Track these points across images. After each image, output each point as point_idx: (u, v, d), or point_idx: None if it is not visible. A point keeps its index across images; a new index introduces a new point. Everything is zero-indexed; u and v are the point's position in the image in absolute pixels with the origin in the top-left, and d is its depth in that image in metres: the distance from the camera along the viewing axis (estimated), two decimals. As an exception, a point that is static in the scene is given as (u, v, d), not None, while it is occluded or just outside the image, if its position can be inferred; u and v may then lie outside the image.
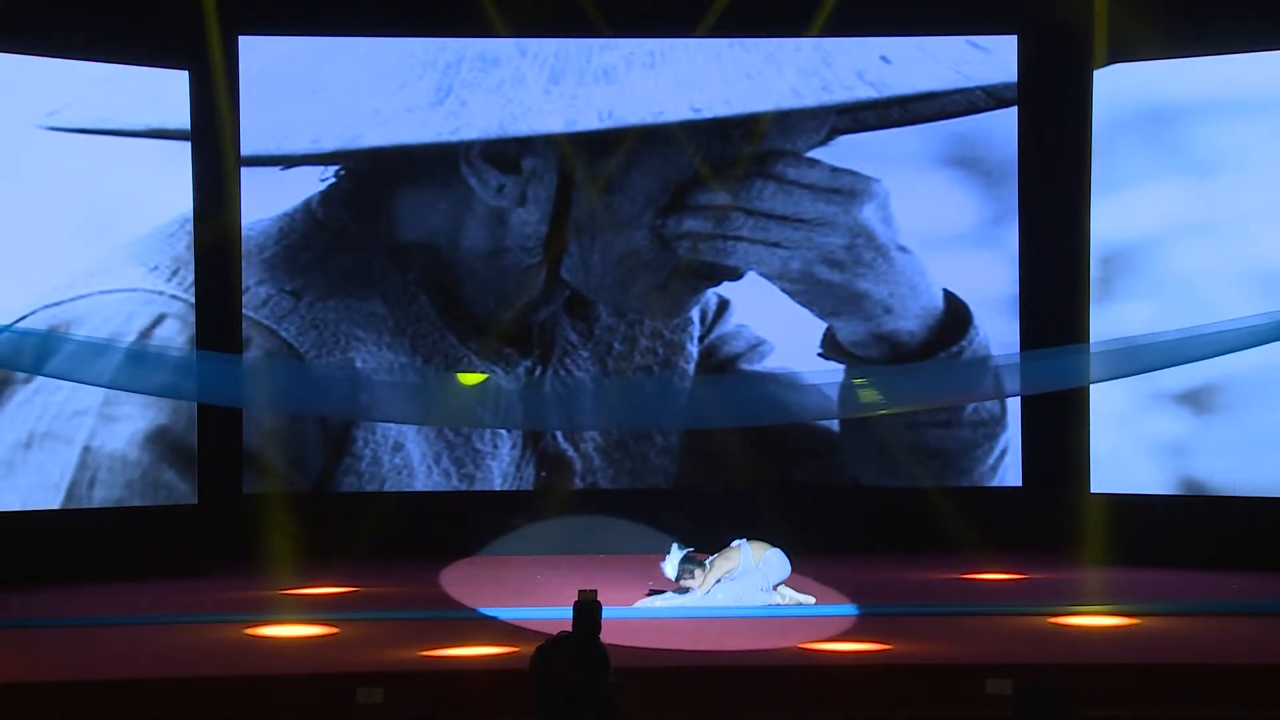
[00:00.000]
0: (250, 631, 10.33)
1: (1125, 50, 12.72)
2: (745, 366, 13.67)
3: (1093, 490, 13.12)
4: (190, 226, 12.96)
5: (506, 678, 8.60)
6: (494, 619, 10.51)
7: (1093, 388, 12.64)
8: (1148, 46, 12.55)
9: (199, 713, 8.75)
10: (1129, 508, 12.93)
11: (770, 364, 13.67)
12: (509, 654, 9.29)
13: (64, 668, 9.28)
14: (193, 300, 12.93)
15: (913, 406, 12.68)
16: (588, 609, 7.64)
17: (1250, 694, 8.87)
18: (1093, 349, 11.69)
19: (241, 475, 13.51)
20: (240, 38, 13.32)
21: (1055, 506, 13.38)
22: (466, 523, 13.59)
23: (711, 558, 11.04)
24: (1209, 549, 12.50)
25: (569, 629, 7.37)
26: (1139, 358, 10.35)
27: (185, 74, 12.98)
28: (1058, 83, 13.46)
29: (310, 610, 11.04)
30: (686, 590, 10.99)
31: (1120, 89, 12.86)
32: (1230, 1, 12.47)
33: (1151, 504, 12.89)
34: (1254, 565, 12.23)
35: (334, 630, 10.38)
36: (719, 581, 10.93)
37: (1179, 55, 12.58)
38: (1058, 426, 13.37)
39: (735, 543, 11.07)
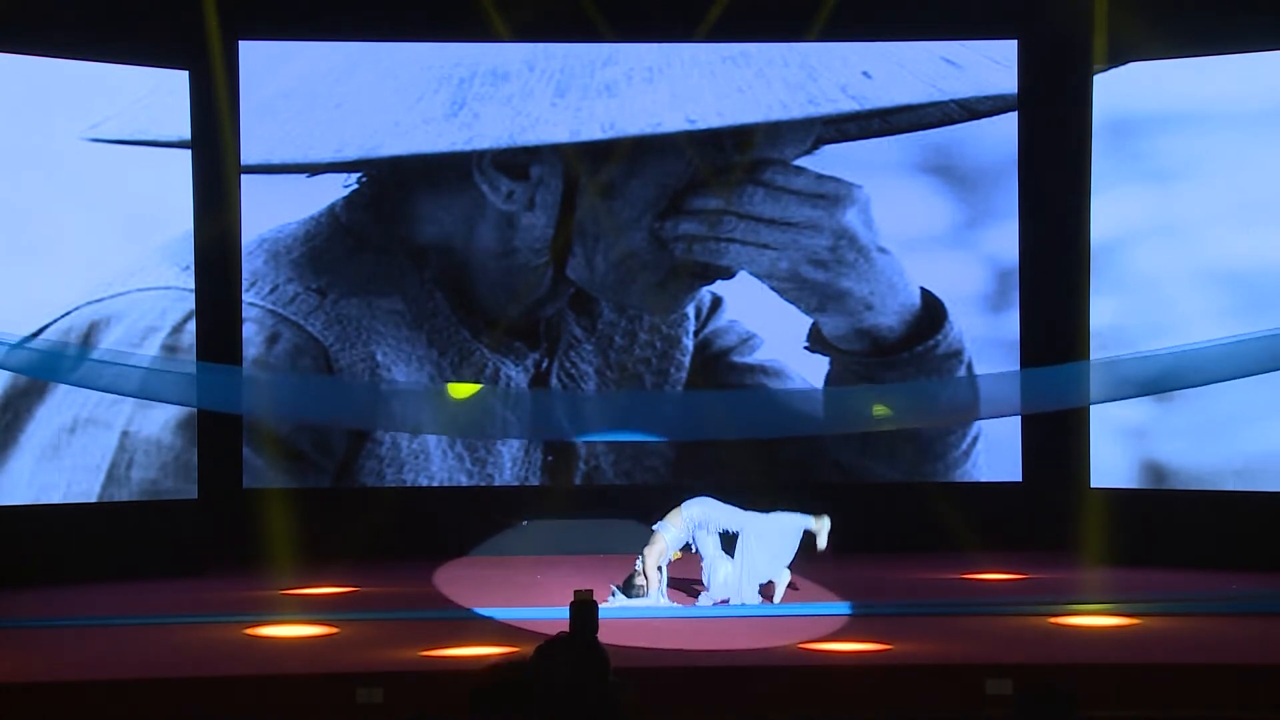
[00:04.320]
0: (250, 631, 9.00)
1: (1122, 55, 11.74)
2: (737, 359, 12.67)
3: (1093, 485, 11.87)
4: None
5: (506, 678, 7.04)
6: (494, 619, 9.00)
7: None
8: (1143, 51, 11.52)
9: (199, 713, 7.49)
10: (1129, 503, 11.66)
11: (760, 356, 12.66)
12: (509, 654, 7.87)
13: (64, 668, 7.97)
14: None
15: (911, 425, 11.83)
16: (585, 609, 6.76)
17: (1250, 694, 7.57)
18: (1094, 369, 10.24)
19: (241, 470, 12.39)
20: (241, 42, 12.26)
21: (1055, 502, 12.10)
22: (468, 521, 12.41)
23: (637, 563, 9.74)
24: (1209, 549, 11.07)
25: (567, 629, 6.35)
26: (1143, 380, 8.86)
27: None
28: (1057, 86, 12.40)
29: (310, 610, 9.52)
30: (643, 594, 9.66)
31: (1114, 93, 11.89)
32: (1218, 8, 11.37)
33: (1151, 499, 11.65)
34: (1254, 565, 10.82)
35: (334, 630, 9.04)
36: (660, 569, 9.67)
37: (1171, 58, 11.50)
38: (1056, 420, 12.10)
39: (655, 527, 9.81)
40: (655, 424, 11.44)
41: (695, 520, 9.76)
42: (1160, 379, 9.26)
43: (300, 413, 11.59)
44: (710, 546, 9.77)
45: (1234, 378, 9.27)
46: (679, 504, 9.89)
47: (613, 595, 9.48)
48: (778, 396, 12.07)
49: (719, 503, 9.90)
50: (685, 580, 10.12)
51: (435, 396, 11.82)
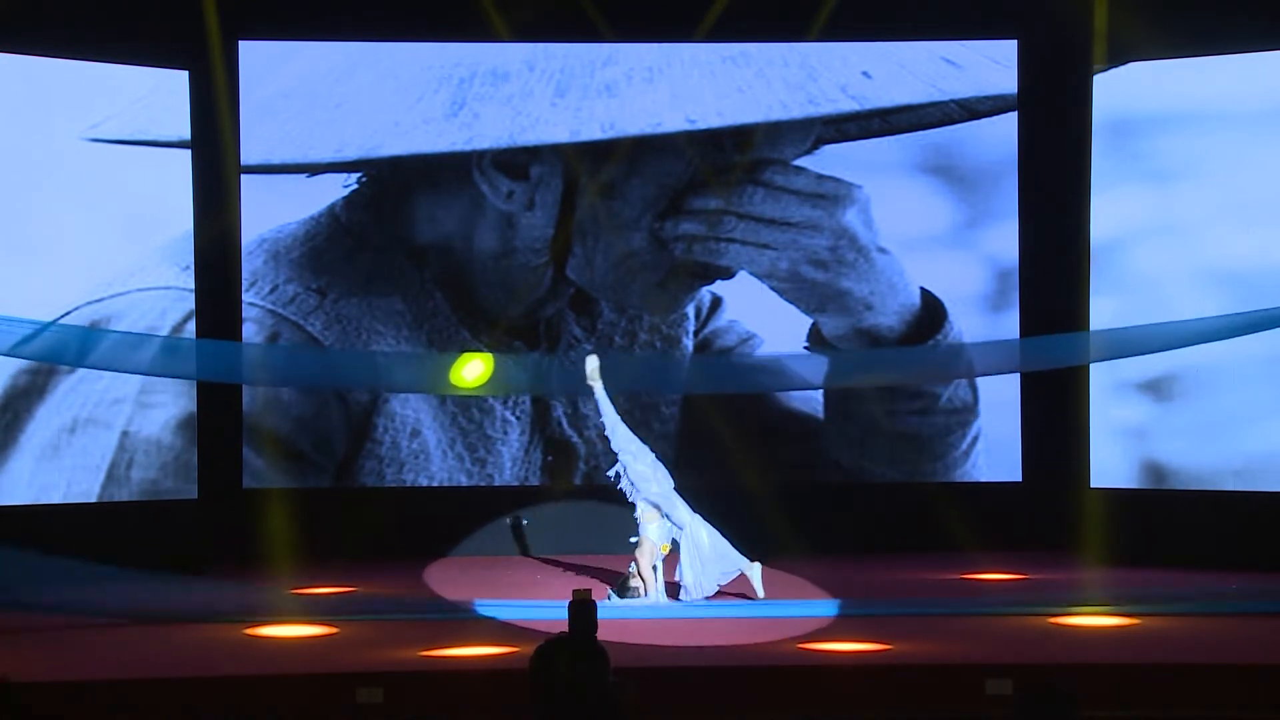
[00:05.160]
0: (250, 631, 8.94)
1: (1122, 55, 11.74)
2: (736, 360, 12.63)
3: (1093, 485, 11.87)
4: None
5: (506, 678, 7.28)
6: (494, 619, 8.99)
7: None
8: (1143, 51, 11.52)
9: (199, 713, 7.44)
10: (1129, 503, 11.64)
11: (760, 356, 12.61)
12: (509, 654, 7.94)
13: (64, 668, 7.94)
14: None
15: (893, 380, 11.76)
16: (584, 608, 6.73)
17: (1250, 694, 7.52)
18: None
19: (241, 470, 12.37)
20: (241, 42, 12.25)
21: (1055, 502, 12.09)
22: (468, 521, 12.40)
23: (631, 564, 9.72)
24: (1209, 549, 11.03)
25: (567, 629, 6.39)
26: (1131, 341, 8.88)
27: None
28: (1057, 86, 12.39)
29: (310, 610, 9.47)
30: (637, 595, 9.65)
31: (1114, 93, 11.90)
32: (1218, 8, 11.37)
33: (1151, 499, 11.64)
34: (1254, 565, 10.77)
35: (334, 630, 8.99)
36: (655, 569, 9.66)
37: (1171, 58, 11.50)
38: (1056, 420, 12.15)
39: (633, 539, 9.80)
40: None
41: (659, 502, 9.75)
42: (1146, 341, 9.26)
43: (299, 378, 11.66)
44: (683, 512, 9.70)
45: (1216, 339, 9.29)
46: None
47: (608, 599, 9.46)
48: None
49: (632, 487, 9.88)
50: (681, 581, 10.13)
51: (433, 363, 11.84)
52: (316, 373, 11.66)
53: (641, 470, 9.78)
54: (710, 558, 9.61)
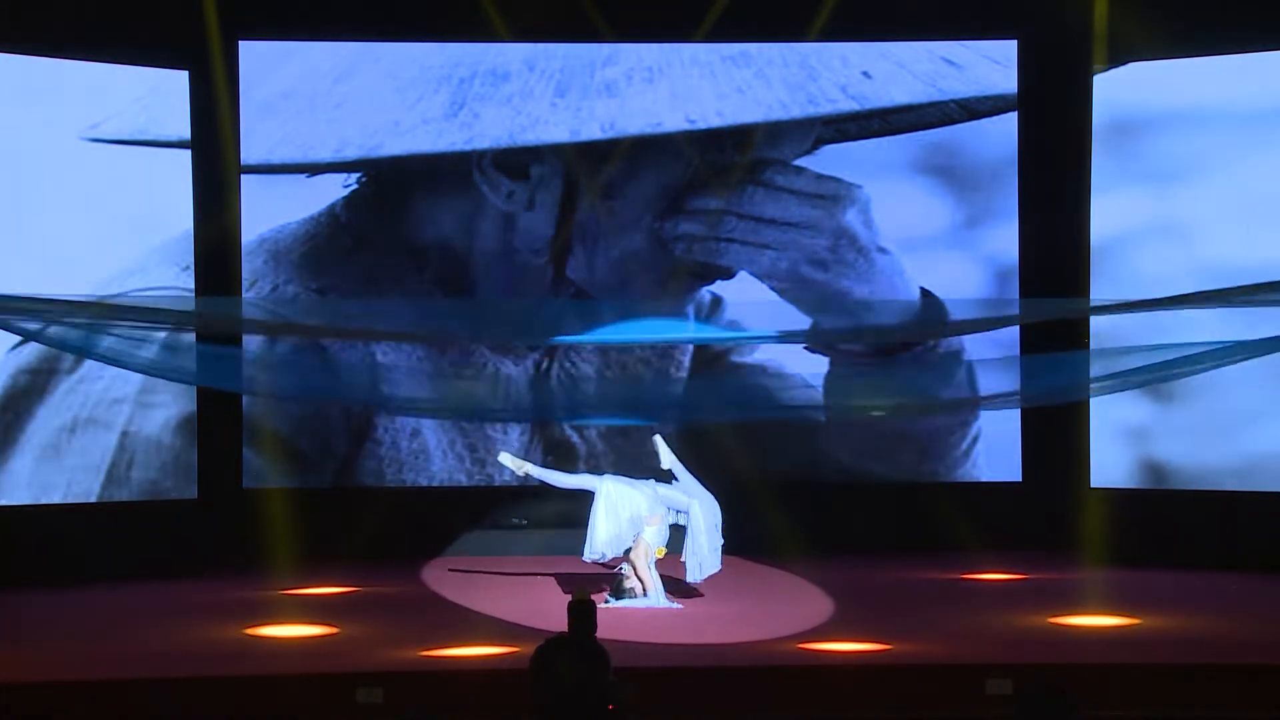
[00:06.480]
0: (250, 631, 8.94)
1: (1122, 55, 11.77)
2: (736, 359, 12.68)
3: (1093, 485, 11.89)
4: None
5: (506, 678, 7.31)
6: (494, 619, 9.02)
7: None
8: (1143, 51, 11.56)
9: (199, 713, 7.46)
10: (1129, 503, 11.65)
11: (759, 357, 12.66)
12: (509, 654, 7.94)
13: (64, 668, 7.93)
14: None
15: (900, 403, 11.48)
16: (584, 608, 6.72)
17: (1250, 694, 7.53)
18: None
19: (241, 470, 12.36)
20: (241, 42, 12.25)
21: (1055, 502, 12.08)
22: (468, 521, 12.42)
23: (623, 566, 9.68)
24: (1209, 549, 11.10)
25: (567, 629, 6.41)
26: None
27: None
28: (1057, 86, 12.40)
29: (310, 610, 9.50)
30: (635, 595, 9.60)
31: (1114, 93, 11.93)
32: (1218, 8, 11.38)
33: (1151, 499, 11.64)
34: (1254, 565, 10.76)
35: (334, 630, 8.99)
36: (651, 568, 9.62)
37: (1171, 58, 11.54)
38: (1056, 420, 12.10)
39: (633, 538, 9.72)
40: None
41: (660, 498, 9.73)
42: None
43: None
44: (681, 496, 9.72)
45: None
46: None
47: (607, 602, 9.43)
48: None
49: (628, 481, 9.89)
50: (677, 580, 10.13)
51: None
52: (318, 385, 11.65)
53: (634, 495, 9.75)
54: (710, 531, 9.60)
